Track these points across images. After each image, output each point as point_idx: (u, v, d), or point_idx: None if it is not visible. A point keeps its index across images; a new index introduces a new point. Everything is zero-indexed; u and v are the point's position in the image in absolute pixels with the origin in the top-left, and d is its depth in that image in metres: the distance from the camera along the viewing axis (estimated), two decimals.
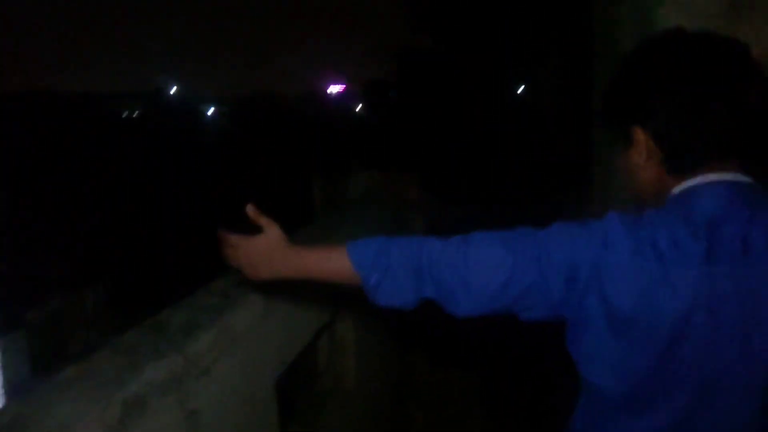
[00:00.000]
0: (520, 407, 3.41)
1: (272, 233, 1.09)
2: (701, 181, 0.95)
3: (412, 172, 3.97)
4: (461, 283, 0.99)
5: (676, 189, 0.98)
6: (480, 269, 0.98)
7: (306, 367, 2.10)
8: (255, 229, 1.09)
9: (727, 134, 0.94)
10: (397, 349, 3.38)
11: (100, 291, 8.03)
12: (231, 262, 1.13)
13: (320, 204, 4.08)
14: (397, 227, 3.17)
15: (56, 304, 7.82)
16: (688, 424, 0.96)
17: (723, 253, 0.89)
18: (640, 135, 1.00)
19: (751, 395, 0.93)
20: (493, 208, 4.40)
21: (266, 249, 1.09)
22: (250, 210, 1.10)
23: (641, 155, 1.01)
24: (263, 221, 1.10)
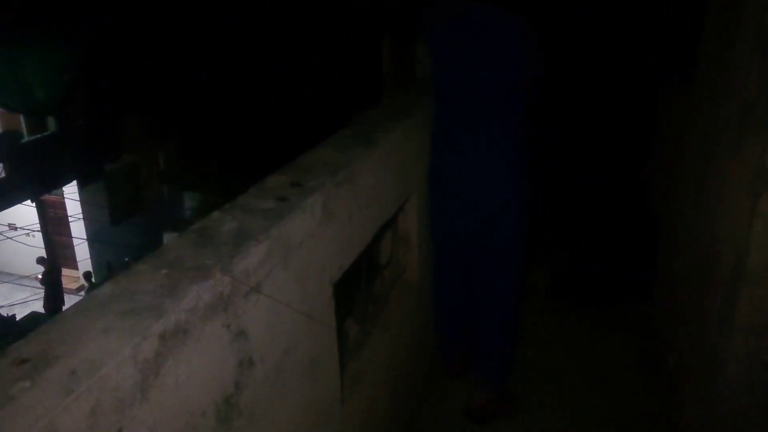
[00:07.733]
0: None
1: None
2: None
3: None
4: None
5: None
6: None
7: (367, 262, 1.99)
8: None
9: None
10: None
11: (172, 147, 8.26)
12: None
13: (389, 71, 3.78)
14: None
15: (132, 158, 8.16)
16: None
17: None
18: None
19: None
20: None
21: None
22: None
23: None
24: None
